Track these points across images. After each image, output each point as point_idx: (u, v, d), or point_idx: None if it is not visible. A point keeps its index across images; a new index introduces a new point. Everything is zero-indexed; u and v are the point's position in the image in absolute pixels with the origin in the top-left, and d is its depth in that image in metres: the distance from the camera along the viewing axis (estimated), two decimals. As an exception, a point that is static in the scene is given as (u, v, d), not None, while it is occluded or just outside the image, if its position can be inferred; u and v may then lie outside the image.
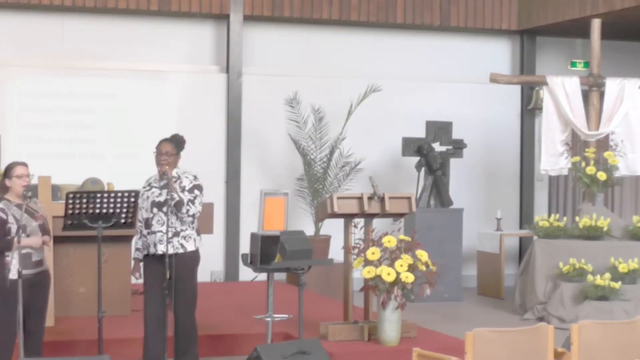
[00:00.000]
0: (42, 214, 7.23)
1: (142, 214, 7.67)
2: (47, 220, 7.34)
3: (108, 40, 12.83)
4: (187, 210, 7.51)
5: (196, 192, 7.60)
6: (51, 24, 12.66)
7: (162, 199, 7.50)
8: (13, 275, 6.85)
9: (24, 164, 7.19)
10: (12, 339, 7.06)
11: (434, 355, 6.07)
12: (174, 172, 7.65)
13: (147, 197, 7.64)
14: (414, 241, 8.76)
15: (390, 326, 8.55)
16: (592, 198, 11.72)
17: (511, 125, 14.43)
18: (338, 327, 8.76)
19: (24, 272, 6.81)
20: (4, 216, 6.99)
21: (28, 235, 6.98)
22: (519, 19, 14.03)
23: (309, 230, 11.91)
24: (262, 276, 8.36)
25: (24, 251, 6.89)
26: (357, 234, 8.94)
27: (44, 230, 7.14)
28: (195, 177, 7.70)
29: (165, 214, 7.47)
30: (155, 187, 7.63)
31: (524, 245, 14.09)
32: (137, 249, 7.76)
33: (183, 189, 7.57)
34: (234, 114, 13.10)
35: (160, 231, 7.52)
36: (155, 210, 7.59)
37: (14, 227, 6.93)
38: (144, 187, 7.74)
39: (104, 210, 7.25)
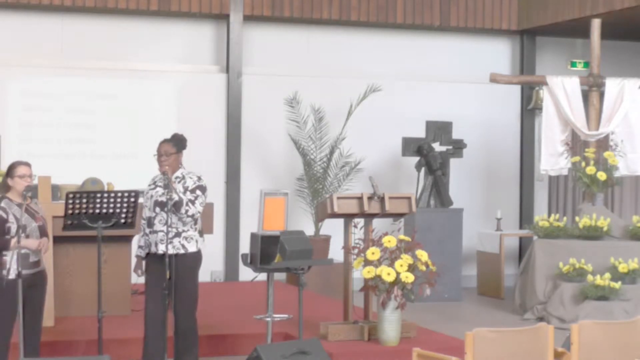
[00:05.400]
0: (42, 216, 7.23)
1: (145, 213, 7.68)
2: (47, 222, 7.33)
3: (108, 40, 12.83)
4: (187, 211, 7.51)
5: (198, 192, 7.60)
6: (51, 24, 12.66)
7: (164, 198, 7.50)
8: (11, 275, 6.85)
9: (27, 164, 7.19)
10: (7, 339, 7.06)
11: (434, 355, 6.07)
12: (179, 172, 7.66)
13: (151, 196, 7.65)
14: (414, 241, 8.77)
15: (390, 326, 8.56)
16: (592, 198, 11.72)
17: (511, 125, 14.43)
18: (338, 327, 8.76)
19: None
20: (4, 215, 6.98)
21: (27, 236, 6.97)
22: (519, 19, 14.03)
23: (309, 230, 11.92)
24: (262, 276, 8.36)
25: (22, 251, 6.88)
26: (357, 234, 8.94)
27: (42, 231, 7.13)
28: (200, 178, 7.69)
29: (167, 213, 7.47)
30: (160, 186, 7.63)
31: (524, 245, 14.09)
32: (139, 247, 7.77)
33: (186, 189, 7.57)
34: (234, 114, 13.10)
35: (162, 231, 7.52)
36: (157, 209, 7.59)
37: (13, 227, 6.93)
38: (149, 186, 7.75)
39: (104, 210, 7.25)
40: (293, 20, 13.38)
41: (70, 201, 7.16)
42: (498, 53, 14.46)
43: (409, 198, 9.14)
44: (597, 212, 11.48)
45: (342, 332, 8.73)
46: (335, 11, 13.33)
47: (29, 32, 12.56)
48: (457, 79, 14.14)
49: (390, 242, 8.57)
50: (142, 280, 7.83)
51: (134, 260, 7.97)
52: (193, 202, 7.56)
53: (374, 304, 8.81)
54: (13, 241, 6.85)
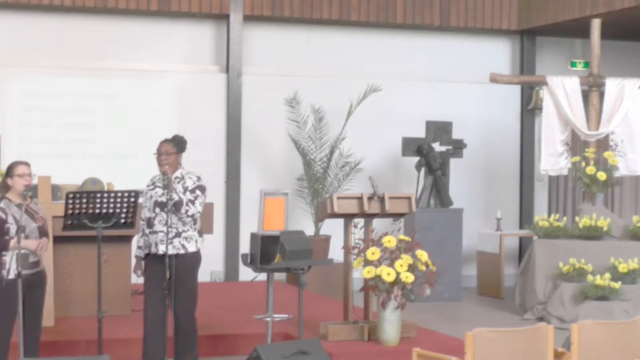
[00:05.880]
0: (42, 216, 7.22)
1: (145, 213, 7.68)
2: (46, 222, 7.32)
3: (108, 40, 12.83)
4: (187, 211, 7.51)
5: (198, 192, 7.60)
6: (51, 24, 12.66)
7: (164, 199, 7.50)
8: (11, 275, 6.85)
9: (26, 164, 7.19)
10: (7, 339, 7.06)
11: (434, 355, 6.07)
12: (179, 173, 7.67)
13: (151, 197, 7.65)
14: (414, 241, 8.76)
15: (390, 326, 8.55)
16: (592, 198, 11.71)
17: (511, 125, 14.43)
18: (338, 327, 8.76)
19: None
20: (3, 216, 6.98)
21: (27, 237, 6.96)
22: (519, 19, 14.03)
23: (309, 230, 11.92)
24: (262, 276, 8.36)
25: (21, 251, 6.87)
26: (357, 234, 8.94)
27: (42, 232, 7.12)
28: (199, 178, 7.70)
29: (167, 214, 7.48)
30: (159, 186, 7.64)
31: (524, 245, 14.09)
32: (139, 247, 7.78)
33: (186, 190, 7.57)
34: (234, 114, 13.10)
35: (162, 231, 7.52)
36: (157, 210, 7.59)
37: (12, 227, 6.93)
38: (148, 186, 7.76)
39: (104, 210, 7.24)
40: (293, 20, 13.37)
41: (70, 201, 7.16)
42: (498, 53, 14.46)
43: (409, 198, 9.13)
44: (597, 212, 11.48)
45: (342, 332, 8.73)
46: (335, 11, 13.33)
47: (29, 32, 12.56)
48: (457, 79, 14.14)
49: (390, 242, 8.56)
50: (142, 280, 7.83)
51: (133, 261, 7.97)
52: (193, 202, 7.56)
53: (374, 304, 8.81)
54: (12, 242, 6.85)
